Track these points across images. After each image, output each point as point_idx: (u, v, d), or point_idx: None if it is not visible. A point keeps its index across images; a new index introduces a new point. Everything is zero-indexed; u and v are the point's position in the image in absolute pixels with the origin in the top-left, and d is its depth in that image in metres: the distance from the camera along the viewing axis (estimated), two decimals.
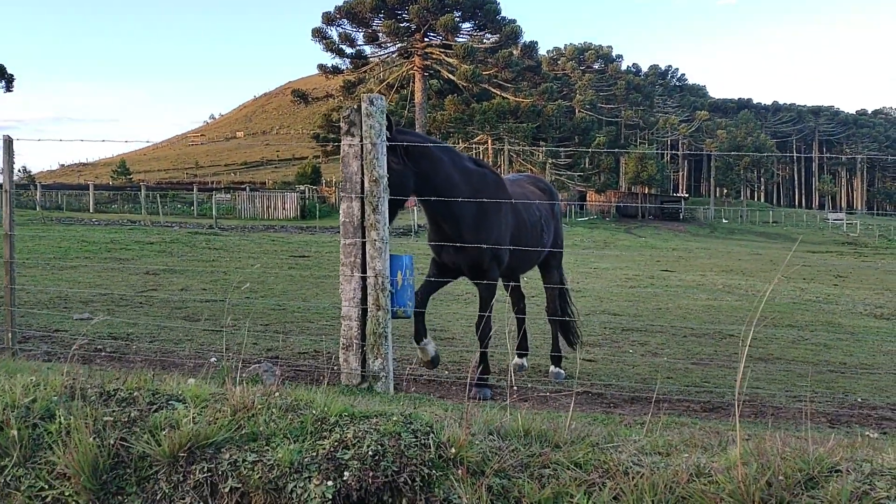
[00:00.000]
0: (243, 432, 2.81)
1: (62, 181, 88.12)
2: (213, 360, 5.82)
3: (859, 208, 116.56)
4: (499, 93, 62.81)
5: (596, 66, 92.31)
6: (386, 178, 4.70)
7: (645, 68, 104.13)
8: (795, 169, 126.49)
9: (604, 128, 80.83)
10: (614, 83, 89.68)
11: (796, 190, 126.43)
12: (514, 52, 61.23)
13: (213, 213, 36.91)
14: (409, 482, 2.62)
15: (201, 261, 17.98)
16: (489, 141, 75.17)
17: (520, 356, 6.88)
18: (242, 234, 28.89)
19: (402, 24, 62.43)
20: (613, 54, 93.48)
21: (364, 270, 4.70)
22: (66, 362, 3.54)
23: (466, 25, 63.76)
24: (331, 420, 2.90)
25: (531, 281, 9.51)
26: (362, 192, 4.70)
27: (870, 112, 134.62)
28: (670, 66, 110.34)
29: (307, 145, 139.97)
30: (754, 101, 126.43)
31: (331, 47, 62.88)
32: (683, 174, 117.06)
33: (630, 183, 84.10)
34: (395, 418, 2.90)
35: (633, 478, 2.42)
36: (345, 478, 2.61)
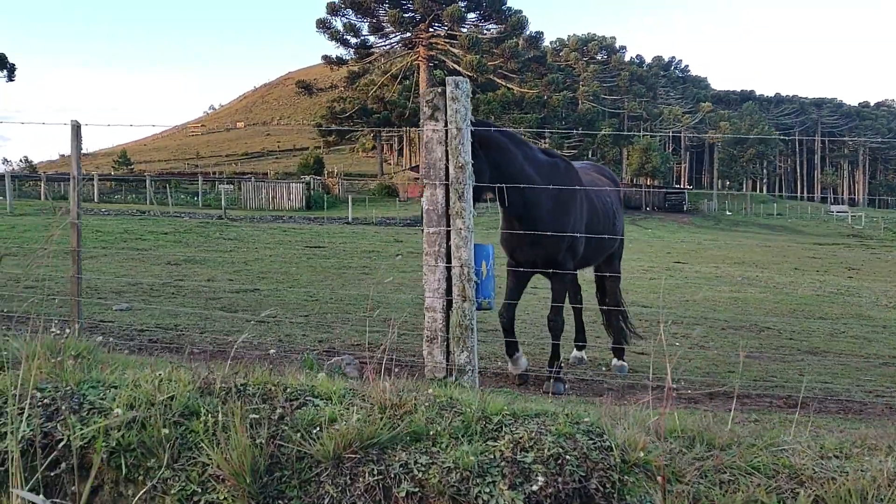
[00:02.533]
0: (405, 432, 2.66)
1: (63, 171, 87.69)
2: (272, 351, 5.69)
3: (861, 200, 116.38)
4: (503, 83, 62.56)
5: (599, 57, 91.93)
6: (471, 165, 4.56)
7: (648, 59, 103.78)
8: (798, 161, 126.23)
9: (607, 119, 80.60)
10: (618, 74, 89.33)
11: (798, 182, 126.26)
12: (520, 42, 60.93)
13: (223, 203, 36.74)
14: (600, 488, 2.46)
15: (219, 251, 17.84)
16: None
17: (578, 349, 6.75)
18: (253, 225, 28.73)
19: (406, 15, 62.09)
20: (617, 45, 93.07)
21: (449, 260, 4.55)
22: (130, 353, 3.38)
23: (471, 16, 63.42)
24: (494, 419, 2.74)
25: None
26: (447, 179, 4.55)
27: (872, 104, 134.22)
28: (673, 57, 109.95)
29: (308, 136, 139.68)
30: (757, 93, 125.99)
31: (336, 37, 62.56)
32: (685, 166, 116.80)
33: (634, 174, 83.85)
34: (561, 418, 2.74)
35: (823, 484, 2.28)
36: (537, 483, 2.44)
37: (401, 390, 2.85)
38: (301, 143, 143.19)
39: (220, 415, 2.59)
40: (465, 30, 61.14)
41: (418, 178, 71.68)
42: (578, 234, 5.50)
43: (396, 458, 2.54)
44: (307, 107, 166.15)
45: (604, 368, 6.65)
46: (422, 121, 4.62)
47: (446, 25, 61.75)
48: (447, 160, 4.55)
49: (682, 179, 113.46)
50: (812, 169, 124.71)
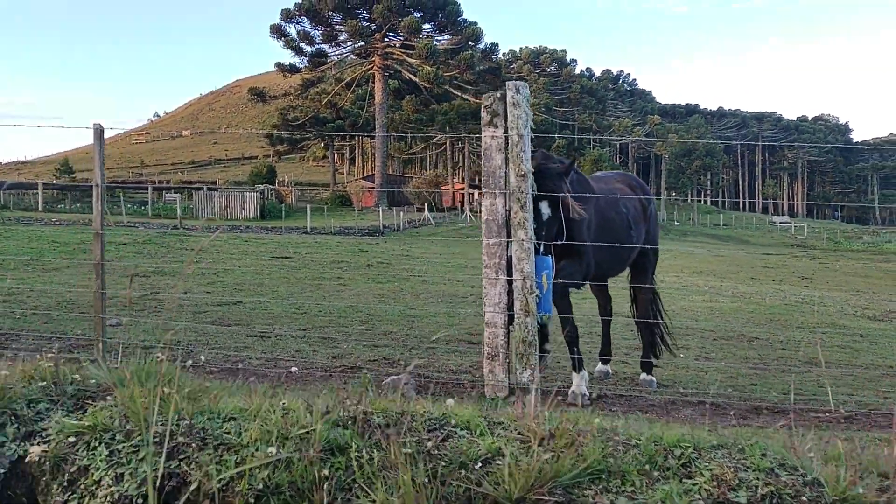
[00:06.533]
0: (588, 468, 2.35)
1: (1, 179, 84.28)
2: (293, 370, 5.41)
3: (800, 211, 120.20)
4: (459, 94, 62.71)
5: (550, 70, 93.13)
6: (532, 173, 4.39)
7: (598, 73, 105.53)
8: (740, 173, 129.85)
9: (560, 130, 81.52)
10: (569, 87, 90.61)
11: (740, 193, 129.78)
12: (475, 54, 61.24)
13: (178, 213, 35.79)
14: None
15: (184, 262, 17.29)
16: (447, 142, 75.11)
17: (604, 362, 6.58)
18: (211, 235, 28.02)
19: (362, 24, 61.81)
20: (567, 58, 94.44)
21: (509, 273, 4.36)
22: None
23: (427, 27, 63.50)
24: (676, 452, 2.50)
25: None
26: (507, 188, 4.37)
27: (810, 118, 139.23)
28: (622, 70, 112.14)
29: (256, 144, 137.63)
30: (701, 107, 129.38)
31: (290, 45, 61.89)
32: None
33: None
34: (748, 450, 2.50)
35: None
36: None
37: (559, 420, 2.58)
38: (250, 152, 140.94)
39: (374, 450, 2.31)
40: (430, 41, 61.14)
41: (372, 188, 71.20)
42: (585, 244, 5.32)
43: (588, 500, 2.27)
44: (255, 115, 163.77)
45: (612, 381, 6.54)
46: (482, 126, 4.43)
47: (402, 36, 61.70)
48: (507, 168, 4.37)
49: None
50: (754, 180, 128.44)
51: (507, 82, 4.45)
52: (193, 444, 2.32)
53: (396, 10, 58.98)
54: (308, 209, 40.92)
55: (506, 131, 4.36)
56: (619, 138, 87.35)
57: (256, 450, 2.26)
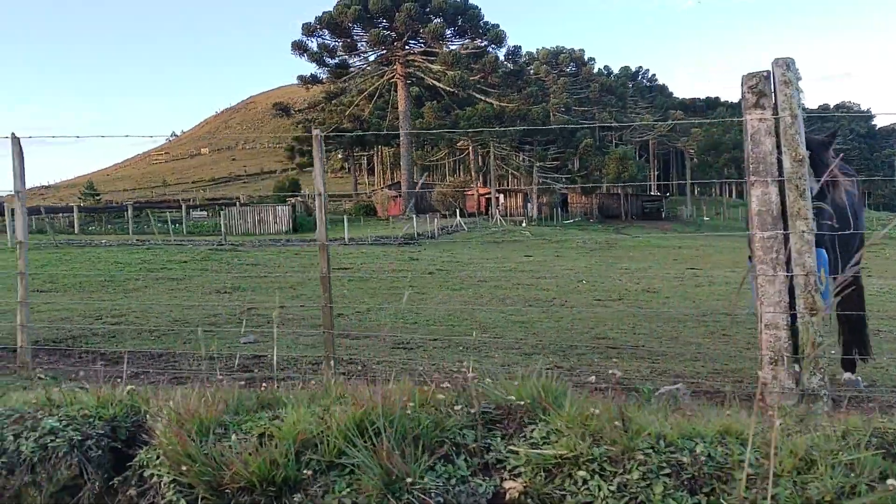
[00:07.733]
0: None
1: (28, 205, 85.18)
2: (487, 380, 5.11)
3: None
4: (482, 98, 62.51)
5: (569, 70, 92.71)
6: (808, 157, 4.07)
7: (616, 70, 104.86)
8: None
9: (581, 130, 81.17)
10: (588, 86, 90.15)
11: None
12: (499, 56, 61.10)
13: (223, 229, 35.76)
14: None
15: (253, 277, 17.11)
16: (470, 147, 74.92)
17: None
18: (260, 249, 27.90)
19: (383, 33, 61.86)
20: (585, 57, 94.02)
21: (788, 268, 4.04)
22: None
23: (448, 32, 63.42)
24: None
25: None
26: (780, 175, 4.05)
27: (832, 106, 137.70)
28: (640, 66, 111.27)
29: (275, 159, 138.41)
30: (722, 100, 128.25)
31: (314, 57, 62.01)
32: (654, 174, 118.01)
33: (611, 183, 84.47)
34: None
35: None
36: None
37: None
38: (269, 167, 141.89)
39: None
40: (444, 46, 61.01)
41: (399, 196, 71.14)
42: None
43: None
44: (272, 130, 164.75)
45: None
46: (743, 109, 4.12)
47: (423, 41, 61.65)
48: (780, 152, 4.06)
49: (653, 187, 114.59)
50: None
51: (775, 58, 4.12)
52: (715, 474, 2.00)
53: (417, 18, 58.92)
54: (346, 220, 40.78)
55: (774, 112, 4.06)
56: (648, 128, 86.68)
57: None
